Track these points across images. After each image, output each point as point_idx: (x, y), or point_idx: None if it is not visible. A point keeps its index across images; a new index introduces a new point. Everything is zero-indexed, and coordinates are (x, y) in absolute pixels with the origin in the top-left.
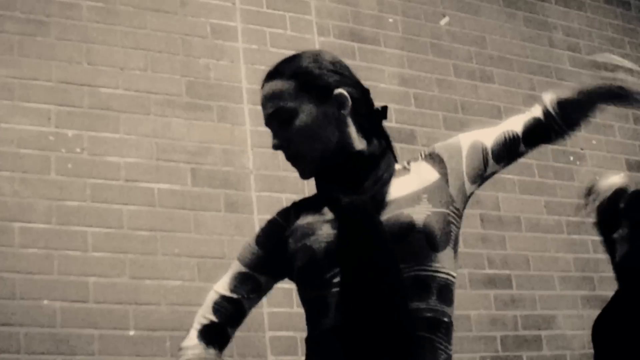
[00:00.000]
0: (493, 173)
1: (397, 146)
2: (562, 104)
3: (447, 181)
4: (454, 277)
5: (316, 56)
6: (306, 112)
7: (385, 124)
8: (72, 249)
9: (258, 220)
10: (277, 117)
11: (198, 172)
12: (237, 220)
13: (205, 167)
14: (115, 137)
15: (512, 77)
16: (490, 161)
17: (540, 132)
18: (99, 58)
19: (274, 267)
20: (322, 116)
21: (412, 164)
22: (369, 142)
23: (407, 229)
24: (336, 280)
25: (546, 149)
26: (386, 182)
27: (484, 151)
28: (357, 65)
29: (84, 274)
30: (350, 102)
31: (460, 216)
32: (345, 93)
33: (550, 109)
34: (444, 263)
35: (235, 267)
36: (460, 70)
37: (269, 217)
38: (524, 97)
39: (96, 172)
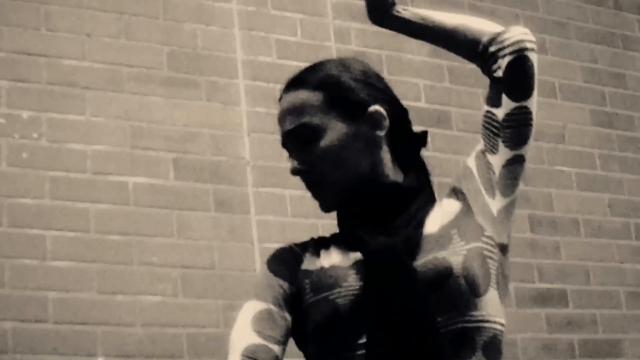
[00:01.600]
0: (507, 173)
1: (429, 130)
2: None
3: (469, 208)
4: (502, 324)
5: (347, 65)
6: (334, 131)
7: (413, 103)
8: (27, 257)
9: (256, 221)
10: (299, 135)
11: (182, 163)
12: (230, 221)
13: (190, 157)
14: (80, 120)
15: (568, 46)
16: (488, 156)
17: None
18: (60, 23)
19: (294, 304)
20: (352, 137)
21: (436, 203)
22: (405, 173)
23: (445, 275)
24: (362, 341)
25: (611, 135)
26: (421, 222)
27: (482, 152)
28: (376, 31)
29: (41, 288)
30: (387, 122)
31: (496, 245)
32: (382, 111)
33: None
34: (490, 309)
35: (253, 307)
36: None
37: (268, 217)
38: (583, 72)
39: (57, 162)
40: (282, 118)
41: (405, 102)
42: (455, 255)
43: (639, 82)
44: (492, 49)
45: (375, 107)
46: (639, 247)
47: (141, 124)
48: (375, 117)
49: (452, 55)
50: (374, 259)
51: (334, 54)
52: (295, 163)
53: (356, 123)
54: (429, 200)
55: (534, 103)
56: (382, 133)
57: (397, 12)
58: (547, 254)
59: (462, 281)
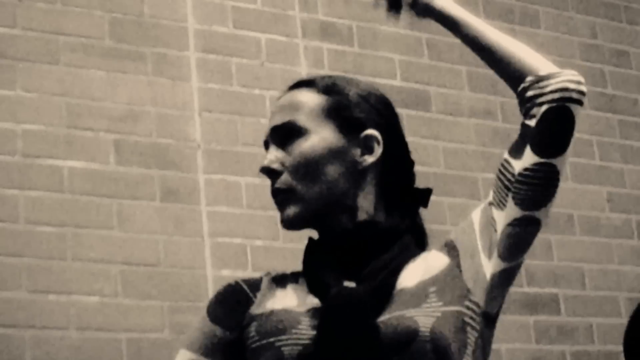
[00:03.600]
0: (513, 235)
1: (404, 112)
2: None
3: (459, 266)
4: None
5: (360, 83)
6: (320, 138)
7: (386, 81)
8: None
9: (206, 213)
10: (283, 132)
11: (124, 146)
12: (177, 212)
13: (134, 139)
14: (9, 95)
15: (564, 19)
16: (494, 211)
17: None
18: None
19: (234, 352)
20: (337, 152)
21: (422, 253)
22: (389, 213)
23: (409, 337)
24: None
25: (611, 120)
26: (396, 272)
27: (489, 205)
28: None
29: None
30: (380, 152)
31: (481, 315)
32: (378, 136)
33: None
34: None
35: (181, 357)
36: (493, 9)
37: (220, 208)
38: (581, 48)
39: None
40: (273, 114)
41: (378, 80)
42: (426, 317)
43: None
44: (530, 93)
45: (372, 131)
46: None
47: (78, 101)
48: (368, 141)
49: (432, 27)
50: (332, 308)
51: (297, 24)
52: (267, 159)
53: (347, 140)
54: (410, 249)
55: (564, 162)
56: (371, 160)
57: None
58: (537, 254)
59: (428, 346)
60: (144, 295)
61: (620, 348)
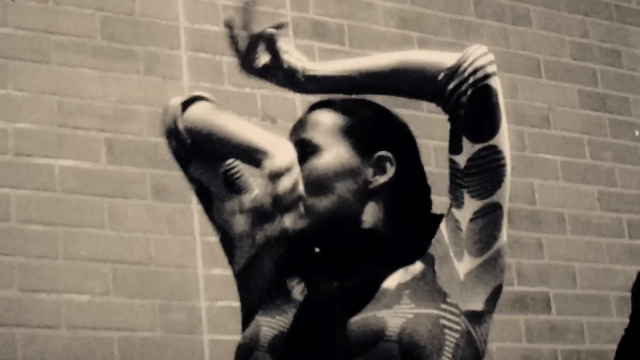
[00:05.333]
0: (477, 228)
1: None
2: None
3: (433, 272)
4: None
5: (383, 109)
6: (333, 154)
7: None
8: None
9: (198, 212)
10: (298, 150)
11: (116, 144)
12: (168, 211)
13: (125, 138)
14: (0, 94)
15: (556, 17)
16: (454, 212)
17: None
18: None
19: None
20: (350, 171)
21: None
22: (394, 226)
23: (375, 337)
24: None
25: (602, 119)
26: (382, 274)
27: (449, 208)
28: None
29: None
30: (392, 172)
31: (461, 314)
32: (392, 159)
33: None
34: None
35: None
36: (484, 8)
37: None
38: (572, 47)
39: None
40: (291, 132)
41: None
42: (395, 317)
43: (634, 60)
44: (451, 85)
45: (385, 152)
46: (632, 246)
47: (70, 100)
48: (381, 161)
49: (423, 25)
50: (306, 303)
51: (289, 23)
52: None
53: (361, 160)
54: (405, 257)
55: (503, 138)
56: (382, 180)
57: (308, 72)
58: (528, 252)
59: (395, 347)
60: (135, 294)
61: (611, 347)
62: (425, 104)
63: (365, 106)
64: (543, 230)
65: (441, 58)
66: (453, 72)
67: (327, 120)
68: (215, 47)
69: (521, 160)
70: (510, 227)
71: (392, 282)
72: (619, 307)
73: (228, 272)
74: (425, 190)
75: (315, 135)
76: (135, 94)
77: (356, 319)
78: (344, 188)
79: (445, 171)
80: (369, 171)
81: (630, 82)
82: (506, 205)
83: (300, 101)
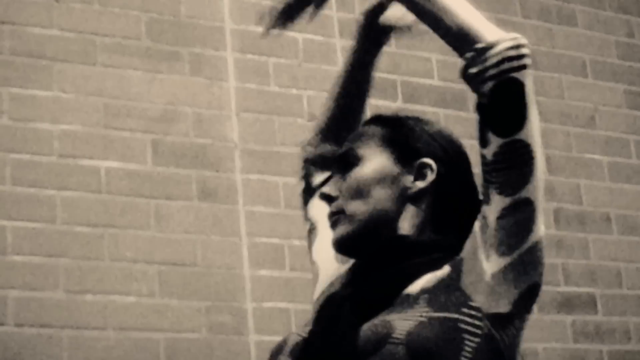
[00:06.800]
0: (505, 226)
1: (441, 111)
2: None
3: (458, 274)
4: None
5: (425, 119)
6: (373, 162)
7: (423, 80)
8: None
9: (244, 213)
10: (343, 161)
11: (162, 146)
12: (214, 212)
13: (171, 139)
14: (46, 96)
15: (602, 17)
16: (484, 208)
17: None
18: None
19: None
20: (389, 176)
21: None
22: (434, 232)
23: (381, 340)
24: None
25: None
26: (407, 279)
27: (482, 207)
28: None
29: (0, 286)
30: (432, 178)
31: (485, 317)
32: (434, 166)
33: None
34: None
35: None
36: (530, 8)
37: (258, 208)
38: (618, 47)
39: (20, 144)
40: (343, 145)
41: (415, 79)
42: (405, 320)
43: None
44: (472, 70)
45: (427, 161)
46: None
47: (116, 101)
48: (422, 168)
49: None
50: (319, 312)
51: (335, 24)
52: (327, 188)
53: (402, 167)
54: (434, 263)
55: (531, 132)
56: (421, 185)
57: None
58: (574, 253)
59: (401, 349)
60: (181, 296)
61: None
62: (470, 106)
63: (410, 120)
64: (589, 230)
65: (481, 31)
66: (479, 55)
67: (373, 133)
68: (261, 48)
69: (567, 160)
70: (556, 227)
71: (415, 287)
72: None
73: (274, 273)
74: (472, 196)
75: (359, 146)
76: (181, 96)
77: (368, 324)
78: (382, 194)
79: None
80: (409, 178)
81: None
82: (539, 201)
83: None
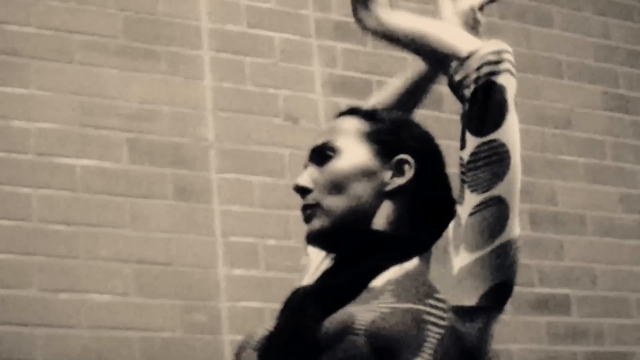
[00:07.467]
0: (475, 223)
1: (416, 112)
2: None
3: (427, 266)
4: None
5: (407, 117)
6: (351, 156)
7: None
8: None
9: (219, 212)
10: (319, 153)
11: (138, 144)
12: (190, 211)
13: (147, 137)
14: (22, 94)
15: (578, 19)
16: (457, 208)
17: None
18: None
19: None
20: (367, 171)
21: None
22: (409, 229)
23: (342, 332)
24: None
25: (624, 121)
26: (373, 272)
27: (457, 207)
28: None
29: None
30: (410, 175)
31: (449, 310)
32: (412, 162)
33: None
34: None
35: None
36: (507, 9)
37: (233, 207)
38: (595, 48)
39: None
40: (315, 138)
41: (391, 80)
42: (367, 312)
43: None
44: (457, 78)
45: (404, 156)
46: None
47: (92, 100)
48: (400, 165)
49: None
50: (287, 302)
51: (311, 24)
52: (299, 179)
53: (380, 163)
54: (403, 254)
55: (509, 133)
56: (399, 182)
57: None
58: (549, 254)
59: (362, 341)
60: (156, 294)
61: (632, 349)
62: (445, 107)
63: (388, 114)
64: (564, 231)
65: (461, 44)
66: (461, 63)
67: (350, 126)
68: (238, 47)
69: (542, 161)
70: (531, 229)
71: (381, 279)
72: (639, 309)
73: (249, 273)
74: (447, 195)
75: (335, 139)
76: (157, 94)
77: (331, 317)
78: (360, 189)
79: None
80: (387, 174)
81: None
82: (514, 201)
83: (322, 102)
